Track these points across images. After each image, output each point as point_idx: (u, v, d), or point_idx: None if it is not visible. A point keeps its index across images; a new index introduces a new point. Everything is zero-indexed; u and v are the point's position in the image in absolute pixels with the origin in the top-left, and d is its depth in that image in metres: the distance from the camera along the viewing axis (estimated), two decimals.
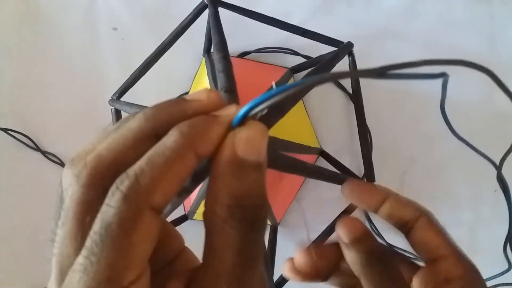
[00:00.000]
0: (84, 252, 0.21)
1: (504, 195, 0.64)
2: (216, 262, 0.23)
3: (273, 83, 0.27)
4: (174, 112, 0.24)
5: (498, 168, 0.64)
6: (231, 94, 0.38)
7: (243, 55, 0.69)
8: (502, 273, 0.63)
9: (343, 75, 0.22)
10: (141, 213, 0.21)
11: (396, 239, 0.67)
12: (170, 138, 0.22)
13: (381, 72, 0.21)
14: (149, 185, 0.21)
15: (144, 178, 0.21)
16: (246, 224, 0.23)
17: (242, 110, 0.23)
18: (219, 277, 0.23)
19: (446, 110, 0.62)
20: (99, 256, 0.21)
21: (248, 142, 0.23)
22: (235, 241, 0.23)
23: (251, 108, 0.23)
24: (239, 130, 0.23)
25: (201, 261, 0.25)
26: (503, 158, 0.63)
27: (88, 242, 0.21)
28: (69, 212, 0.22)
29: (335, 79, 0.21)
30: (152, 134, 0.23)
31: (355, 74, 0.20)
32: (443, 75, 0.23)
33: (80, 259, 0.21)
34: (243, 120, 0.24)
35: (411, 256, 0.65)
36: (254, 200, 0.23)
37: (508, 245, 0.64)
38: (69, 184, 0.23)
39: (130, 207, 0.21)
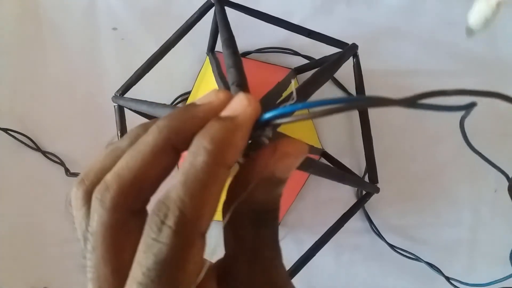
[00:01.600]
0: (135, 284, 0.21)
1: None
2: (242, 264, 0.24)
3: (292, 81, 0.27)
4: (187, 120, 0.23)
5: (511, 180, 0.64)
6: (242, 88, 0.38)
7: (243, 55, 0.69)
8: (506, 278, 0.63)
9: (375, 102, 0.22)
10: (194, 243, 0.21)
11: (396, 239, 0.68)
12: (199, 159, 0.21)
13: (412, 102, 0.20)
14: (195, 216, 0.21)
15: (188, 210, 0.21)
16: (268, 226, 0.25)
17: (269, 114, 0.23)
18: (254, 264, 0.24)
19: (449, 115, 0.62)
20: None
21: (290, 166, 0.24)
22: (258, 244, 0.24)
23: (278, 116, 0.23)
24: (284, 155, 0.23)
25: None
26: None
27: (142, 278, 0.21)
28: (98, 236, 0.22)
29: (368, 106, 0.21)
30: (169, 147, 0.23)
31: (386, 102, 0.20)
32: (472, 105, 0.22)
33: None
34: (266, 123, 0.24)
35: (413, 257, 0.66)
36: (275, 205, 0.25)
37: None
38: (92, 208, 0.23)
39: (182, 241, 0.21)
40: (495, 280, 0.64)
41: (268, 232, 0.25)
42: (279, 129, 0.42)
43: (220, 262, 0.26)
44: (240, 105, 0.23)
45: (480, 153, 0.62)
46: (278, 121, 0.22)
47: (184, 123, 0.23)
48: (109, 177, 0.23)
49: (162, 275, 0.21)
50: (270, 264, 0.25)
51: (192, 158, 0.22)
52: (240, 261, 0.24)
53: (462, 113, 0.23)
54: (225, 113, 0.24)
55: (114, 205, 0.22)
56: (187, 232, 0.21)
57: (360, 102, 0.20)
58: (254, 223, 0.24)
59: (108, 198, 0.22)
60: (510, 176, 0.64)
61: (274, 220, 0.25)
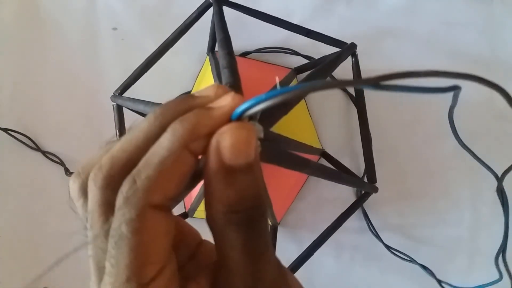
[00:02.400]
0: (106, 256, 0.22)
1: (502, 207, 0.64)
2: (227, 263, 0.24)
3: (277, 80, 0.27)
4: (182, 110, 0.24)
5: (500, 179, 0.64)
6: (236, 89, 0.38)
7: (243, 55, 0.69)
8: (493, 283, 0.63)
9: (345, 83, 0.21)
10: (143, 213, 0.22)
11: (395, 239, 0.68)
12: (165, 136, 0.23)
13: (380, 82, 0.19)
14: (144, 186, 0.22)
15: (139, 179, 0.22)
16: (244, 226, 0.24)
17: (240, 108, 0.23)
18: (233, 277, 0.24)
19: (446, 112, 0.62)
20: (116, 258, 0.22)
21: (234, 148, 0.22)
22: (237, 243, 0.24)
23: (250, 107, 0.22)
24: (222, 135, 0.23)
25: None
26: (505, 172, 0.64)
27: (108, 246, 0.22)
28: (93, 214, 0.23)
29: (337, 86, 0.20)
30: (161, 133, 0.23)
31: (357, 82, 0.19)
32: (455, 88, 0.21)
33: (105, 263, 0.22)
34: (241, 117, 0.23)
35: (407, 259, 0.66)
36: (248, 203, 0.24)
37: (500, 256, 0.64)
38: (89, 188, 0.24)
39: (131, 208, 0.22)
40: (482, 285, 0.64)
41: (255, 234, 0.24)
42: (275, 129, 0.42)
43: (215, 263, 0.27)
44: (224, 100, 0.24)
45: (469, 149, 0.61)
46: (254, 109, 0.22)
47: (179, 113, 0.24)
48: (104, 158, 0.23)
49: (118, 241, 0.22)
50: (259, 268, 0.24)
51: (162, 136, 0.23)
52: (230, 269, 0.24)
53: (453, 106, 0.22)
54: (210, 105, 0.25)
55: (105, 184, 0.23)
56: (136, 201, 0.22)
57: (318, 85, 0.20)
58: (239, 228, 0.23)
59: (100, 177, 0.23)
60: (500, 175, 0.63)
61: (261, 217, 0.24)
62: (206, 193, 0.24)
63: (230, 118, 0.24)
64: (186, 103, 0.24)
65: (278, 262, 0.26)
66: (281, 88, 0.21)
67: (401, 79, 0.19)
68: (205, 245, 0.29)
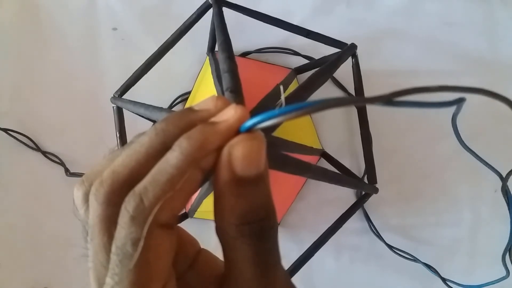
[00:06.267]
0: (109, 273, 0.22)
1: (508, 207, 0.64)
2: (237, 275, 0.25)
3: (281, 87, 0.26)
4: (183, 125, 0.24)
5: (504, 180, 0.64)
6: (236, 94, 0.38)
7: (243, 55, 0.69)
8: (500, 280, 0.63)
9: (359, 100, 0.21)
10: (150, 232, 0.22)
11: (395, 239, 0.68)
12: (173, 154, 0.22)
13: (392, 98, 0.19)
14: (153, 205, 0.22)
15: (147, 198, 0.22)
16: (256, 237, 0.24)
17: (251, 122, 0.23)
18: (251, 282, 0.24)
19: (446, 112, 0.62)
20: (120, 276, 0.22)
21: (246, 159, 0.22)
22: (249, 255, 0.24)
23: (261, 121, 0.22)
24: (234, 147, 0.23)
25: (220, 258, 0.27)
26: (510, 172, 0.64)
27: (110, 263, 0.22)
28: (94, 228, 0.23)
29: (351, 104, 0.20)
30: (163, 149, 0.23)
31: (370, 100, 0.20)
32: (460, 100, 0.21)
33: (107, 279, 0.22)
34: (250, 130, 0.23)
35: (410, 258, 0.66)
36: (260, 214, 0.24)
37: (507, 255, 0.64)
38: (89, 202, 0.24)
39: (138, 227, 0.22)
40: (489, 282, 0.64)
41: (267, 245, 0.24)
42: (277, 133, 0.42)
43: (220, 277, 0.27)
44: (227, 114, 0.24)
45: (473, 151, 0.61)
46: (262, 125, 0.22)
47: (180, 128, 0.24)
48: (105, 173, 0.23)
49: (122, 260, 0.22)
50: (269, 281, 0.25)
51: (168, 154, 0.23)
52: (240, 281, 0.25)
53: (454, 110, 0.22)
54: (213, 119, 0.24)
55: (106, 199, 0.23)
56: (144, 221, 0.22)
57: (331, 103, 0.20)
58: (250, 240, 0.24)
59: (101, 193, 0.23)
60: (504, 176, 0.63)
61: (272, 228, 0.24)
62: (217, 206, 0.24)
63: (236, 131, 0.23)
64: (187, 118, 0.24)
65: (287, 274, 0.26)
66: (294, 105, 0.21)
67: (412, 94, 0.19)
68: (204, 254, 0.29)
